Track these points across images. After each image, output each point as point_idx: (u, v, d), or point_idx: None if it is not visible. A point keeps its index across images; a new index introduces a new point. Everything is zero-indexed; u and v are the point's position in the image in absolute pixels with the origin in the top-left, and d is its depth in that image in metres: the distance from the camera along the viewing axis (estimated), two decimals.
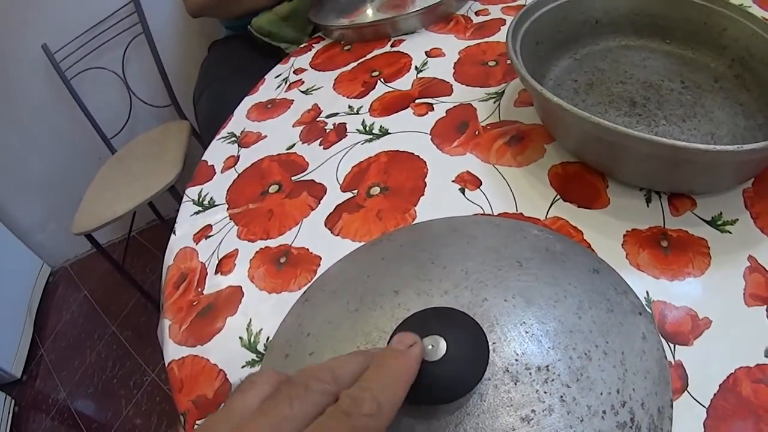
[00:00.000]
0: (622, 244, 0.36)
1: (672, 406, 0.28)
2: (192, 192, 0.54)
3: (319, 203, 0.46)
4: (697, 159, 0.33)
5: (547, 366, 0.25)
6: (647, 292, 0.33)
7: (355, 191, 0.46)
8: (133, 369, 1.45)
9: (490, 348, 0.26)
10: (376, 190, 0.45)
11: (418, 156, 0.47)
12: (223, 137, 0.62)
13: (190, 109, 1.14)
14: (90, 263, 1.83)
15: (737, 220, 0.36)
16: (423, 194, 0.43)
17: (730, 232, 0.35)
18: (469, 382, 0.24)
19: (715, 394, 0.28)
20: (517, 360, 0.26)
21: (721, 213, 0.37)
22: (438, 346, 0.24)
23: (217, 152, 0.59)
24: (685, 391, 0.29)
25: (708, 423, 0.27)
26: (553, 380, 0.25)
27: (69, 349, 1.59)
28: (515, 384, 0.25)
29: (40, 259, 1.76)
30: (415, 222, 0.41)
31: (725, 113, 0.44)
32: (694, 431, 0.27)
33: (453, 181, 0.44)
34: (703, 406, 0.28)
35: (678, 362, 0.30)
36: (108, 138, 1.40)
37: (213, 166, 0.57)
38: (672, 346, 0.30)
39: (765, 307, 0.32)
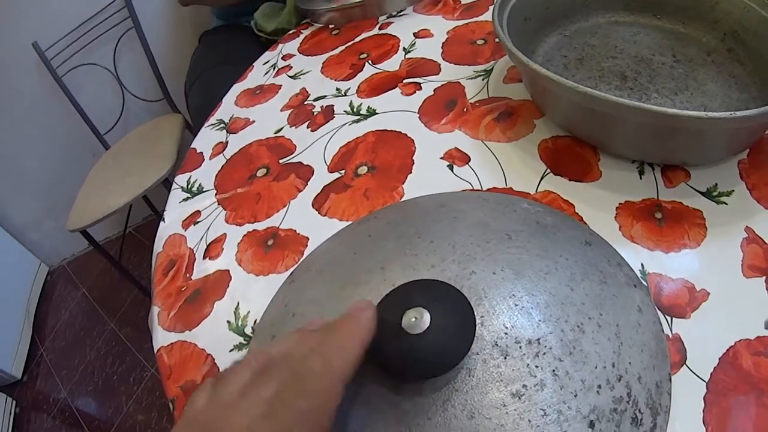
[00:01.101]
0: (615, 217, 0.34)
1: (670, 381, 0.26)
2: (181, 179, 0.53)
3: (307, 185, 0.45)
4: (690, 127, 0.32)
5: (538, 339, 0.24)
6: (642, 265, 0.31)
7: (343, 171, 0.44)
8: (132, 365, 1.43)
9: (478, 321, 0.24)
10: (363, 170, 0.44)
11: (406, 134, 0.45)
12: (211, 124, 0.60)
13: (182, 103, 1.11)
14: (87, 261, 1.80)
15: (733, 191, 0.34)
16: (411, 172, 0.42)
17: (726, 204, 0.34)
18: (454, 355, 0.22)
19: (714, 368, 0.27)
20: (506, 333, 0.24)
21: (716, 184, 0.35)
22: (422, 319, 0.22)
23: (205, 139, 0.58)
24: (684, 365, 0.27)
25: (708, 397, 0.26)
26: (544, 354, 0.23)
27: (68, 348, 1.56)
28: (505, 358, 0.23)
29: (37, 259, 1.74)
30: (402, 199, 0.39)
31: (718, 86, 0.42)
32: (694, 406, 0.26)
33: (441, 158, 0.42)
34: (702, 380, 0.26)
35: (676, 335, 0.28)
36: (101, 134, 1.38)
37: (202, 153, 0.56)
38: (669, 319, 0.29)
39: (764, 278, 0.30)
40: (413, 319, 0.22)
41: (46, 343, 1.61)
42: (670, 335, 0.28)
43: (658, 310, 0.29)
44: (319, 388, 0.21)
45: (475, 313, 0.23)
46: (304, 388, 0.20)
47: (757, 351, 0.27)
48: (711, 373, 0.27)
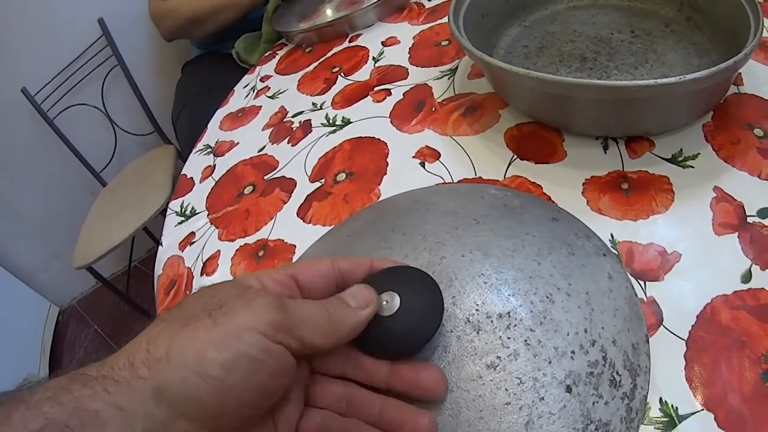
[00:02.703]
0: (582, 192, 0.34)
1: (648, 342, 0.26)
2: (174, 204, 0.55)
3: (291, 196, 0.46)
4: (645, 96, 0.32)
5: (509, 312, 0.24)
6: (612, 235, 0.31)
7: (323, 180, 0.45)
8: None
9: (450, 302, 0.25)
10: (342, 177, 0.45)
11: (379, 139, 0.46)
12: (199, 150, 0.62)
13: (173, 134, 1.13)
14: (96, 298, 1.81)
15: (699, 154, 0.35)
16: (386, 173, 0.42)
17: (693, 167, 0.34)
18: (425, 333, 0.23)
19: (693, 326, 0.27)
20: (477, 310, 0.24)
21: (681, 150, 0.35)
22: (392, 302, 0.23)
23: (194, 165, 0.59)
24: (661, 326, 0.27)
25: (689, 355, 0.26)
26: (515, 326, 0.24)
27: None
28: (477, 333, 0.24)
29: (47, 300, 1.74)
30: (379, 200, 0.40)
31: (678, 55, 0.43)
32: (675, 365, 0.26)
33: (413, 157, 0.42)
34: (681, 338, 0.27)
35: (650, 298, 0.28)
36: (97, 172, 1.39)
37: (192, 178, 0.57)
38: (642, 283, 0.29)
39: (736, 234, 0.30)
40: (385, 302, 0.23)
41: None
42: (645, 299, 0.28)
43: (631, 276, 0.29)
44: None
45: (445, 294, 0.24)
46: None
47: (735, 305, 0.27)
48: (689, 332, 0.27)
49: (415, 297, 0.23)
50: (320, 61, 0.65)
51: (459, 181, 0.38)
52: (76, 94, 1.33)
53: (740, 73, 0.41)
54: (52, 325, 1.74)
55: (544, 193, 0.35)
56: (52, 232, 1.54)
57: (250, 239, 0.44)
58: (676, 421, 0.24)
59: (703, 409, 0.24)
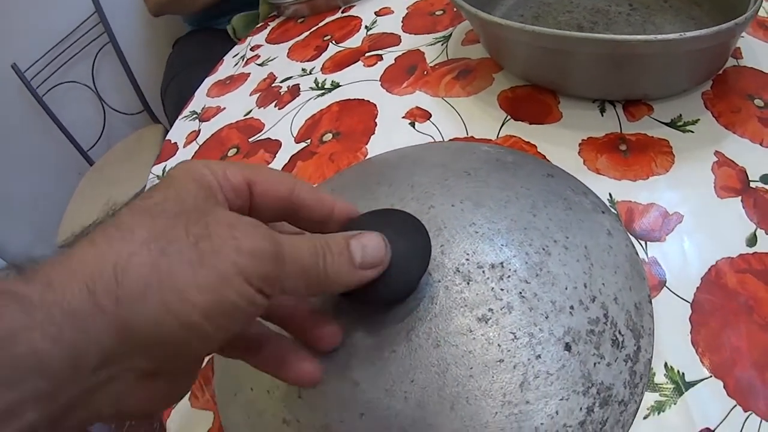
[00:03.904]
0: (578, 152, 0.31)
1: (651, 303, 0.23)
2: (156, 169, 0.51)
3: (275, 157, 0.43)
4: (644, 53, 0.30)
5: (501, 263, 0.21)
6: (610, 194, 0.28)
7: (309, 141, 0.42)
8: None
9: (438, 251, 0.21)
10: (328, 137, 0.41)
11: (369, 101, 0.43)
12: (185, 116, 0.58)
13: (162, 112, 1.08)
14: None
15: (698, 120, 0.32)
16: (374, 133, 0.39)
17: (693, 132, 0.31)
18: (411, 278, 0.19)
19: (698, 288, 0.24)
20: (467, 260, 0.21)
21: (680, 115, 0.33)
22: None
23: (179, 130, 0.56)
24: (665, 288, 0.24)
25: (694, 318, 0.23)
26: (509, 277, 0.21)
27: None
28: (468, 283, 0.21)
29: None
30: (366, 158, 0.37)
31: (677, 28, 0.40)
32: (681, 328, 0.23)
33: (403, 117, 0.39)
34: (686, 301, 0.24)
35: (652, 258, 0.26)
36: (85, 151, 1.33)
37: (176, 143, 0.54)
38: (644, 243, 0.26)
39: (740, 198, 0.28)
40: None
41: None
42: (647, 259, 0.26)
43: (631, 235, 0.26)
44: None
45: (433, 242, 0.20)
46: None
47: (741, 268, 0.25)
48: (694, 294, 0.24)
49: (399, 238, 0.19)
50: (312, 30, 0.61)
51: (450, 140, 0.35)
52: (66, 71, 1.27)
53: (739, 47, 0.39)
54: None
55: (539, 152, 0.32)
56: (38, 212, 1.48)
57: None
58: (683, 389, 0.21)
59: (711, 376, 0.22)
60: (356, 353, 0.20)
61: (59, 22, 1.21)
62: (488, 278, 0.21)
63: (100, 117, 1.35)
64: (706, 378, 0.22)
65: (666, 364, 0.22)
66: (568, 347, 0.20)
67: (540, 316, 0.20)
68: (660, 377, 0.22)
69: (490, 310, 0.20)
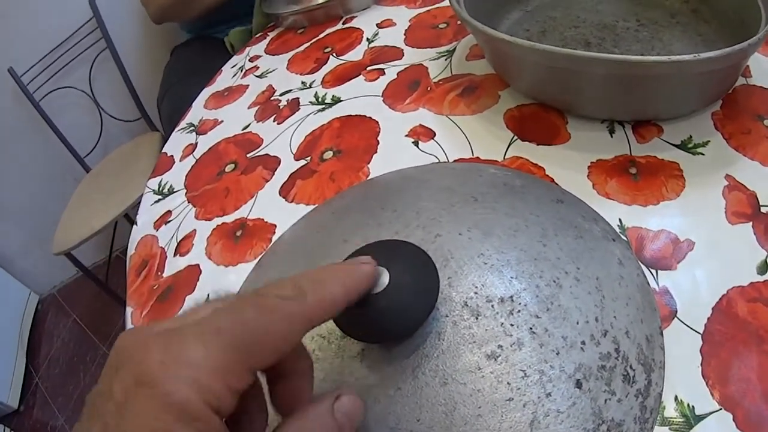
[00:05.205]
0: (587, 176, 0.31)
1: (662, 335, 0.23)
2: (152, 183, 0.51)
3: (274, 174, 0.42)
4: (655, 74, 0.29)
5: (511, 296, 0.21)
6: (620, 220, 0.28)
7: (309, 158, 0.42)
8: None
9: (445, 283, 0.21)
10: (329, 155, 0.41)
11: (371, 117, 0.43)
12: (182, 128, 0.58)
13: (159, 120, 1.08)
14: (76, 287, 1.73)
15: (709, 141, 0.32)
16: (376, 152, 0.39)
17: (703, 154, 0.31)
18: (418, 313, 0.19)
19: (708, 319, 0.24)
20: (476, 293, 0.21)
21: (690, 136, 0.32)
22: (381, 278, 0.19)
23: (176, 143, 0.55)
24: (675, 318, 0.24)
25: (705, 349, 0.23)
26: (519, 311, 0.20)
27: (63, 375, 1.50)
28: (476, 318, 0.20)
29: (26, 288, 1.67)
30: (368, 178, 0.36)
31: (685, 45, 0.40)
32: (691, 360, 0.23)
33: (406, 136, 0.39)
34: (697, 332, 0.23)
35: (663, 288, 0.25)
36: (81, 157, 1.33)
37: (172, 156, 0.53)
38: (654, 272, 0.26)
39: (750, 224, 0.27)
40: None
41: (40, 371, 1.54)
42: (657, 288, 0.25)
43: (641, 263, 0.26)
44: (282, 315, 0.16)
45: (440, 272, 0.20)
46: (262, 307, 0.16)
47: (752, 297, 0.24)
48: (705, 325, 0.24)
49: (407, 273, 0.19)
50: (312, 41, 0.61)
51: (455, 161, 0.35)
52: (63, 76, 1.27)
53: (748, 66, 0.38)
54: (31, 314, 1.66)
55: (547, 175, 0.32)
56: (34, 218, 1.47)
57: (228, 218, 0.40)
58: (692, 422, 0.21)
59: (720, 409, 0.21)
60: (360, 391, 0.20)
61: (57, 26, 1.21)
62: (497, 313, 0.20)
63: (96, 123, 1.34)
64: (716, 411, 0.21)
65: (676, 398, 0.22)
66: (579, 384, 0.20)
67: (551, 352, 0.20)
68: (670, 411, 0.22)
69: (500, 346, 0.19)
